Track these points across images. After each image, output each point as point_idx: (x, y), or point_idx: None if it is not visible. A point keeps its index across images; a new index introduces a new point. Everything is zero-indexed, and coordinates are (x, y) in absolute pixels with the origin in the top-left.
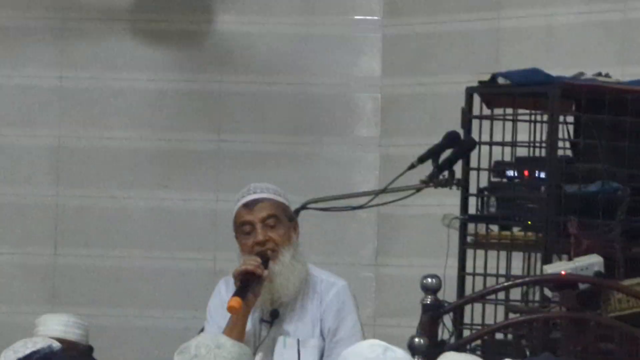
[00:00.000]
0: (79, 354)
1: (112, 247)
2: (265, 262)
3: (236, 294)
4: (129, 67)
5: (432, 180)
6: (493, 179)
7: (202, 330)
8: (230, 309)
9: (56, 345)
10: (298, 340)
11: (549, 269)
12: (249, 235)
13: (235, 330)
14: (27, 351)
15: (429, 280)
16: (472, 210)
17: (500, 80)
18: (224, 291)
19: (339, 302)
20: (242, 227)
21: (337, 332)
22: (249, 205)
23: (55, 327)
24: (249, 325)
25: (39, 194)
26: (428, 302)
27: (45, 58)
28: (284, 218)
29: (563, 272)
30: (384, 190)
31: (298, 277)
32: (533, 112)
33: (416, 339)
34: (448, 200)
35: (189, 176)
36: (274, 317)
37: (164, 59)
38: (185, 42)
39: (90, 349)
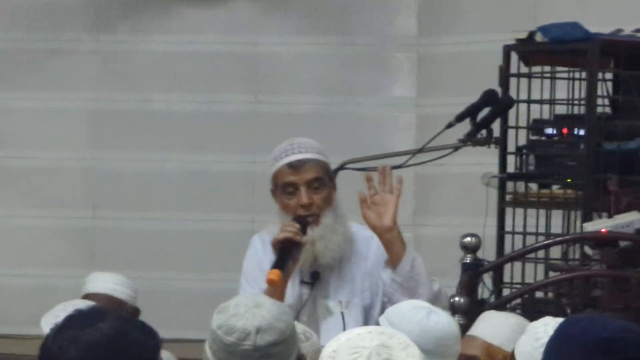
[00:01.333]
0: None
1: (150, 210)
2: (304, 227)
3: (275, 265)
4: (165, 30)
5: (470, 139)
6: (531, 137)
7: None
8: (269, 281)
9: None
10: (340, 302)
11: (589, 226)
12: (292, 196)
13: (275, 296)
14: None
15: (468, 239)
16: (510, 168)
17: (538, 38)
18: (260, 248)
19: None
20: (284, 187)
21: None
22: (294, 166)
23: (103, 284)
24: (289, 288)
25: (77, 158)
26: (467, 261)
27: (82, 22)
28: (327, 179)
29: (603, 230)
30: (421, 150)
31: (341, 239)
32: (571, 69)
33: (456, 298)
34: (486, 159)
35: (225, 138)
36: (314, 279)
37: (200, 21)
38: (222, 3)
39: (136, 310)
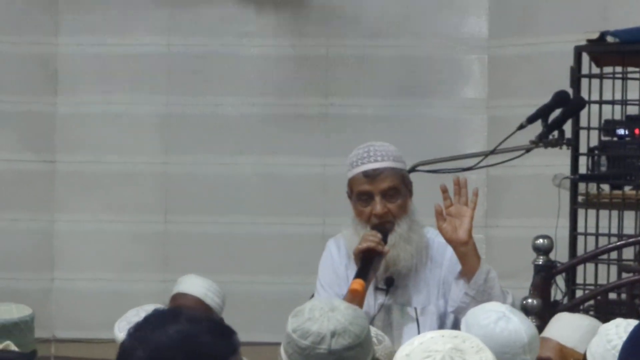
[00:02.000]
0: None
1: (222, 214)
2: (385, 237)
3: (358, 275)
4: (236, 34)
5: (542, 140)
6: (603, 138)
7: (312, 296)
8: (353, 291)
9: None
10: (415, 309)
11: None
12: (367, 204)
13: (354, 303)
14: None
15: (541, 240)
16: (582, 169)
17: (609, 39)
18: (336, 252)
19: (457, 262)
20: (359, 195)
21: None
22: (370, 175)
23: (198, 287)
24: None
25: (149, 162)
26: (540, 262)
27: (153, 25)
28: (403, 187)
29: None
30: (493, 152)
31: (414, 247)
32: None
33: (529, 300)
34: (558, 160)
35: (297, 141)
36: (389, 285)
37: (271, 25)
38: (292, 7)
39: (220, 320)
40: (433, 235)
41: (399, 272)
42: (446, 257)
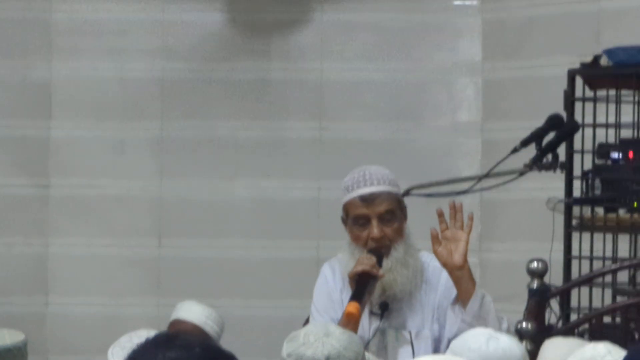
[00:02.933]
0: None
1: (216, 238)
2: (379, 260)
3: (353, 297)
4: (229, 57)
5: (536, 164)
6: (597, 162)
7: (307, 320)
8: (348, 314)
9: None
10: (410, 333)
11: None
12: (363, 228)
13: (349, 327)
14: (134, 345)
15: (535, 264)
16: (576, 193)
17: (603, 62)
18: (330, 277)
19: (452, 285)
20: (356, 219)
21: None
22: (366, 199)
23: (196, 314)
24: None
25: (143, 186)
26: (534, 286)
27: (147, 49)
28: (399, 211)
29: None
30: (486, 175)
31: (411, 271)
32: (637, 92)
33: (523, 324)
34: (552, 184)
35: (290, 165)
36: (383, 310)
37: (265, 48)
38: (285, 31)
39: None
40: (428, 259)
41: (394, 295)
42: (441, 282)
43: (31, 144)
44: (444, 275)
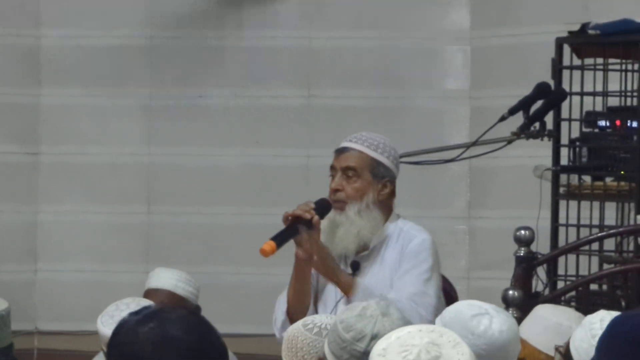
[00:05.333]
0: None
1: (205, 205)
2: (324, 209)
3: (274, 237)
4: (217, 26)
5: (524, 132)
6: (584, 130)
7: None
8: (261, 251)
9: (150, 303)
10: (380, 294)
11: None
12: (332, 180)
13: (298, 278)
14: (123, 313)
15: (522, 232)
16: (564, 161)
17: (590, 30)
18: None
19: (417, 251)
20: (330, 171)
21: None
22: (338, 152)
23: (166, 280)
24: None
25: (133, 153)
26: (521, 254)
27: (135, 17)
28: (367, 173)
29: None
30: (475, 143)
31: (355, 233)
32: (624, 61)
33: (510, 291)
34: (540, 152)
35: (280, 133)
36: (354, 269)
37: (253, 16)
38: (272, 0)
39: (197, 308)
40: (404, 225)
41: (366, 256)
42: (409, 247)
43: (21, 112)
44: (415, 242)
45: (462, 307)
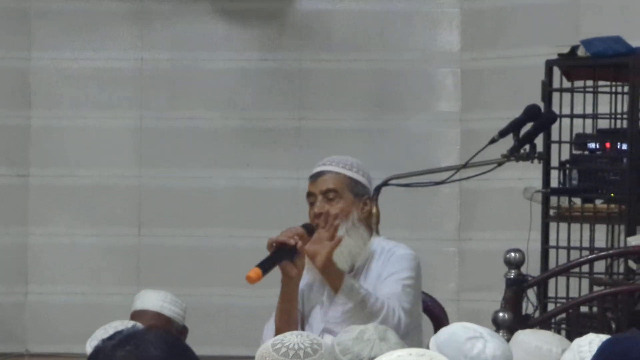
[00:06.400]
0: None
1: (196, 227)
2: (310, 233)
3: (260, 264)
4: (208, 48)
5: (514, 154)
6: (574, 152)
7: None
8: (247, 279)
9: (139, 325)
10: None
11: (633, 240)
12: (312, 206)
13: (284, 302)
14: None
15: (512, 254)
16: (554, 183)
17: (580, 52)
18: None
19: (397, 262)
20: (308, 199)
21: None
22: (313, 177)
23: (152, 301)
24: (317, 297)
25: (123, 175)
26: (512, 276)
27: (126, 40)
28: (347, 193)
29: None
30: (465, 165)
31: (346, 252)
32: (614, 83)
33: (500, 314)
34: (530, 174)
35: (270, 154)
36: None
37: (244, 39)
38: (265, 21)
39: (184, 329)
40: (388, 244)
41: (351, 277)
42: (390, 260)
43: (11, 134)
44: (396, 254)
45: (457, 329)
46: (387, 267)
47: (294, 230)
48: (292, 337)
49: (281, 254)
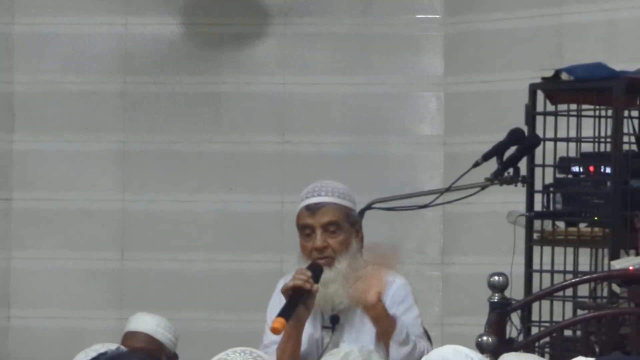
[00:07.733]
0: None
1: (179, 251)
2: (318, 274)
3: (280, 313)
4: (191, 72)
5: (497, 178)
6: (558, 175)
7: None
8: (273, 330)
9: (123, 348)
10: (362, 347)
11: (617, 264)
12: (309, 238)
13: (290, 341)
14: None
15: (496, 278)
16: (537, 207)
17: (564, 76)
18: None
19: (400, 297)
20: (302, 229)
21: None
22: (312, 209)
23: (147, 324)
24: (310, 332)
25: (106, 199)
26: (495, 300)
27: (108, 63)
28: (346, 224)
29: (631, 268)
30: (449, 189)
31: (352, 284)
32: (597, 107)
33: (484, 338)
34: (513, 198)
35: (254, 178)
36: (334, 323)
37: (225, 62)
38: (246, 45)
39: (175, 356)
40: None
41: (344, 309)
42: (389, 295)
43: None
44: (393, 288)
45: (448, 353)
46: (394, 305)
47: (305, 273)
48: (234, 356)
49: (298, 298)
